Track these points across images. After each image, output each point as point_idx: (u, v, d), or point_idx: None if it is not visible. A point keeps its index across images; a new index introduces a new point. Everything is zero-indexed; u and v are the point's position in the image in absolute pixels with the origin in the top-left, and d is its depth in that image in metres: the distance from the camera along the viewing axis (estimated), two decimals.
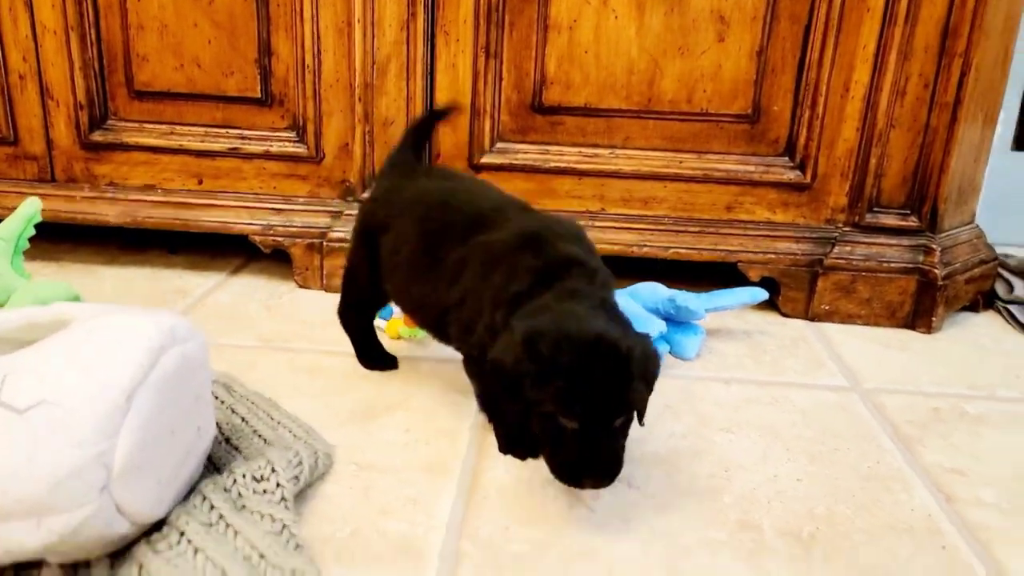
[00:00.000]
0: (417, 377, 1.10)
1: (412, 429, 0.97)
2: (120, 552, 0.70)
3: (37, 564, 0.68)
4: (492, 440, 0.94)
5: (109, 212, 1.40)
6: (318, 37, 1.30)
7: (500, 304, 0.84)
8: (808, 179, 1.33)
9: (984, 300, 1.43)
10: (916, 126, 1.28)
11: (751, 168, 1.34)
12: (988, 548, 0.80)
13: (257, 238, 1.39)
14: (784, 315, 1.38)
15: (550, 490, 0.86)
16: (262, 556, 0.70)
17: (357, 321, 1.11)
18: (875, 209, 1.33)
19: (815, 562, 0.77)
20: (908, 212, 1.33)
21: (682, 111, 1.32)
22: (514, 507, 0.84)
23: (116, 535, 0.67)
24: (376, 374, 1.11)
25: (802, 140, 1.32)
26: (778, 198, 1.35)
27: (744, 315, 1.37)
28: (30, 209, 1.14)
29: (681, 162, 1.35)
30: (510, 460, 0.91)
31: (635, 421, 0.80)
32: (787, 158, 1.34)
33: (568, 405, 0.75)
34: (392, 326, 1.22)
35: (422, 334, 1.22)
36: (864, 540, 0.80)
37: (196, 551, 0.69)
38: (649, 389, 0.80)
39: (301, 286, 1.41)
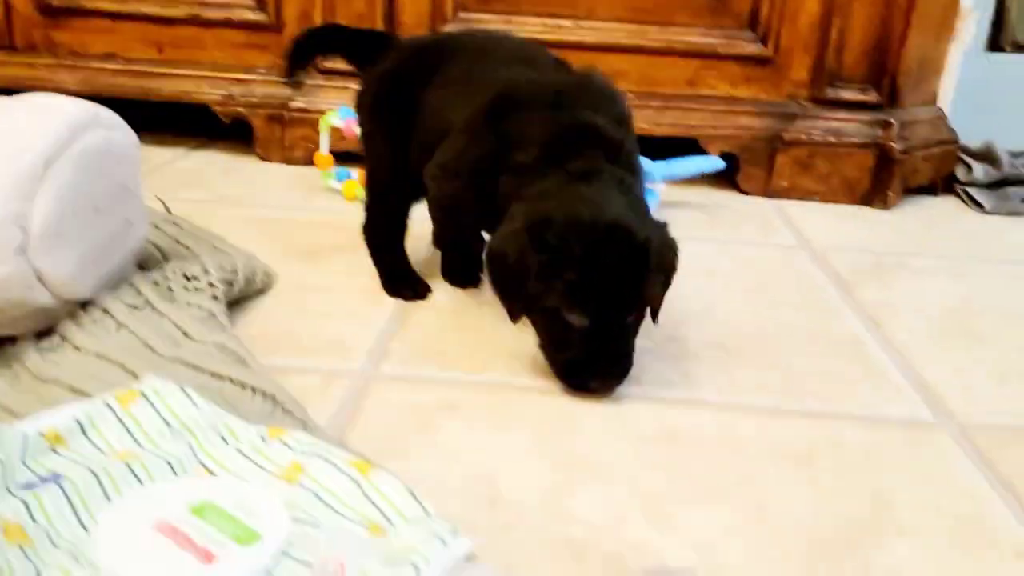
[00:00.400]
0: None
1: (357, 266, 0.98)
2: (46, 332, 0.71)
3: None
4: (438, 266, 0.95)
5: (69, 80, 1.39)
6: None
7: (483, 147, 0.75)
8: (771, 52, 1.33)
9: (943, 184, 1.43)
10: None
11: (714, 41, 1.33)
12: (907, 359, 0.81)
13: (218, 108, 1.38)
14: (743, 192, 1.38)
15: (486, 309, 0.87)
16: (186, 334, 0.71)
17: (388, 229, 0.91)
18: (836, 84, 1.33)
19: (733, 364, 0.78)
20: (868, 86, 1.33)
21: None
22: (448, 318, 0.85)
23: (37, 304, 0.68)
24: (328, 223, 1.12)
25: (765, 12, 1.31)
26: (740, 72, 1.35)
27: (704, 191, 1.37)
28: None
29: (644, 34, 1.34)
30: (451, 287, 0.93)
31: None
32: (750, 31, 1.33)
33: (578, 300, 0.67)
34: (349, 188, 1.22)
35: None
36: (789, 350, 0.82)
37: (119, 326, 0.70)
38: (667, 283, 0.73)
39: (263, 158, 1.41)
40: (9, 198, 0.64)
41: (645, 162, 1.20)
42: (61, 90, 1.37)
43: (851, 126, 1.33)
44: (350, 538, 0.48)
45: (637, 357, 0.73)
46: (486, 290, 0.90)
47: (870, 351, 0.83)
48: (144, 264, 0.85)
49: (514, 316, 0.72)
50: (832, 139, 1.33)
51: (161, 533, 0.46)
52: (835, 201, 1.35)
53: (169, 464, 0.52)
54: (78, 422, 0.54)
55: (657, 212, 1.22)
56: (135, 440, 0.54)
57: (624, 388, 0.71)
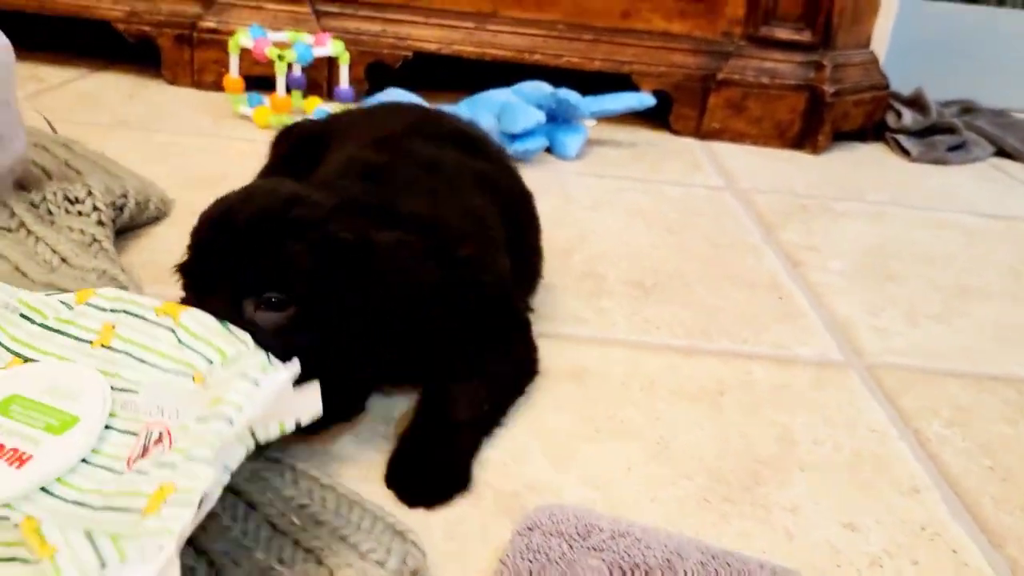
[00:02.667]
0: None
1: None
2: None
3: None
4: None
5: None
6: None
7: None
8: None
9: (874, 130, 1.43)
10: None
11: None
12: (822, 299, 0.81)
13: (121, 26, 1.29)
14: (675, 132, 1.35)
15: None
16: (64, 260, 0.65)
17: None
18: (771, 22, 1.30)
19: (650, 301, 0.77)
20: (803, 26, 1.30)
21: None
22: None
23: None
24: (236, 149, 1.06)
25: None
26: (675, 6, 1.31)
27: (635, 130, 1.34)
28: None
29: None
30: None
31: None
32: None
33: (184, 264, 0.53)
34: (261, 113, 1.15)
35: (289, 119, 1.15)
36: (703, 289, 0.80)
37: None
38: (337, 267, 0.50)
39: (171, 82, 1.32)
40: None
41: (572, 93, 1.17)
42: None
43: (785, 67, 1.31)
44: (174, 395, 0.44)
45: (549, 296, 0.71)
46: None
47: (787, 291, 0.82)
48: (25, 185, 0.78)
49: None
50: (765, 80, 1.31)
51: None
52: (766, 144, 1.34)
53: None
54: None
55: (584, 148, 1.20)
56: None
57: (538, 326, 0.68)
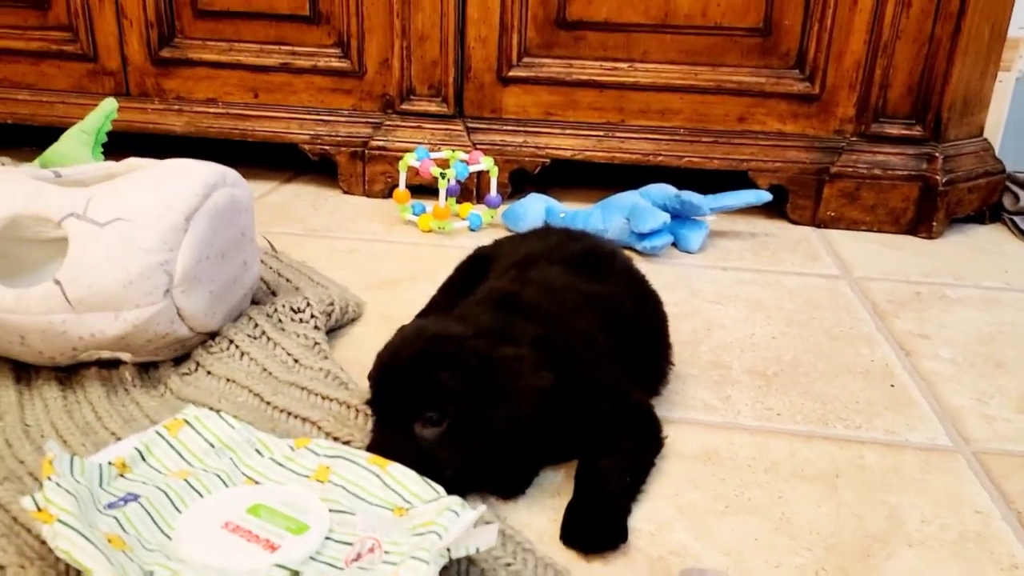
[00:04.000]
0: (443, 258, 1.23)
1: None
2: (182, 357, 0.85)
3: (117, 364, 0.83)
4: None
5: (176, 123, 1.56)
6: None
7: None
8: (817, 90, 1.41)
9: (991, 213, 1.49)
10: (921, 37, 1.34)
11: (763, 80, 1.42)
12: (933, 387, 0.89)
13: (306, 146, 1.53)
14: (792, 222, 1.46)
15: None
16: (296, 361, 0.84)
17: None
18: (880, 119, 1.40)
19: (772, 390, 0.88)
20: (912, 122, 1.39)
21: (697, 25, 1.41)
22: None
23: (177, 336, 0.81)
24: (406, 253, 1.25)
25: (811, 53, 1.39)
26: (788, 109, 1.43)
27: (753, 220, 1.46)
28: (108, 107, 1.29)
29: (696, 74, 1.43)
30: None
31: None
32: (797, 70, 1.41)
33: (370, 396, 0.68)
34: (424, 220, 1.35)
35: (450, 227, 1.34)
36: (821, 378, 0.91)
37: (243, 354, 0.84)
38: (475, 383, 0.64)
39: (345, 192, 1.54)
40: (160, 248, 0.77)
41: (696, 196, 1.30)
42: (169, 132, 1.55)
43: (896, 159, 1.40)
44: (379, 520, 0.60)
45: (681, 385, 0.83)
46: None
47: (899, 379, 0.91)
48: (256, 297, 0.98)
49: None
50: (878, 172, 1.40)
51: (229, 531, 0.58)
52: (881, 230, 1.42)
53: (219, 477, 0.64)
54: (137, 450, 0.66)
55: (706, 241, 1.32)
56: (186, 460, 0.66)
57: (669, 412, 0.81)
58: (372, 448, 0.65)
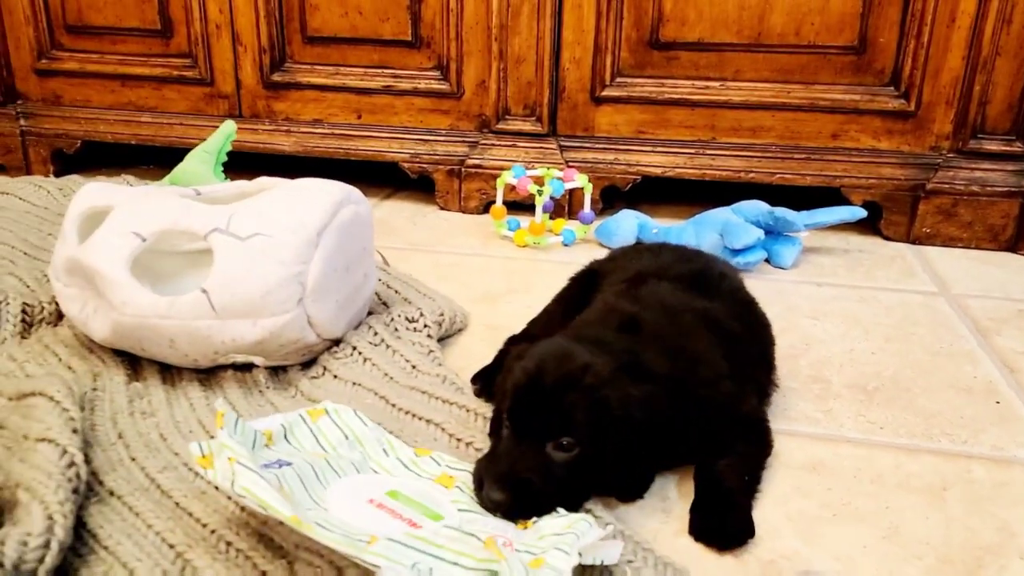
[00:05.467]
0: (539, 272, 1.28)
1: (533, 306, 1.15)
2: (310, 362, 0.92)
3: (250, 367, 0.90)
4: None
5: (285, 143, 1.65)
6: None
7: None
8: (912, 107, 1.41)
9: None
10: (1022, 54, 1.33)
11: (856, 97, 1.43)
12: None
13: (406, 165, 1.60)
14: (886, 238, 1.46)
15: None
16: (414, 367, 0.89)
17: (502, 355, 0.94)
18: (979, 135, 1.39)
19: (873, 405, 0.89)
20: (1013, 138, 1.38)
21: (790, 44, 1.42)
22: None
23: (307, 342, 0.88)
24: (503, 267, 1.30)
25: (907, 70, 1.39)
26: (882, 126, 1.43)
27: (847, 237, 1.46)
28: (228, 128, 1.39)
29: (789, 92, 1.45)
30: None
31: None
32: (892, 87, 1.41)
33: (507, 408, 0.70)
34: (520, 235, 1.40)
35: (545, 242, 1.39)
36: (923, 394, 0.92)
37: (365, 359, 0.90)
38: (609, 420, 0.68)
39: (442, 208, 1.61)
40: (294, 261, 0.84)
41: (790, 213, 1.32)
42: (278, 152, 1.64)
43: (995, 175, 1.39)
44: (506, 526, 0.65)
45: (782, 398, 0.85)
46: None
47: (1003, 396, 0.91)
48: (371, 308, 1.05)
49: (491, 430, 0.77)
50: (976, 188, 1.39)
51: (375, 507, 0.64)
52: (978, 247, 1.41)
53: (353, 464, 0.70)
54: (283, 427, 0.72)
55: (800, 257, 1.33)
56: (321, 446, 0.73)
57: (773, 424, 0.83)
58: (503, 455, 0.68)
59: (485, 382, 0.87)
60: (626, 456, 0.69)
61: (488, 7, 1.49)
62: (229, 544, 0.63)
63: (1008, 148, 1.38)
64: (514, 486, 0.65)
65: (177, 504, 0.68)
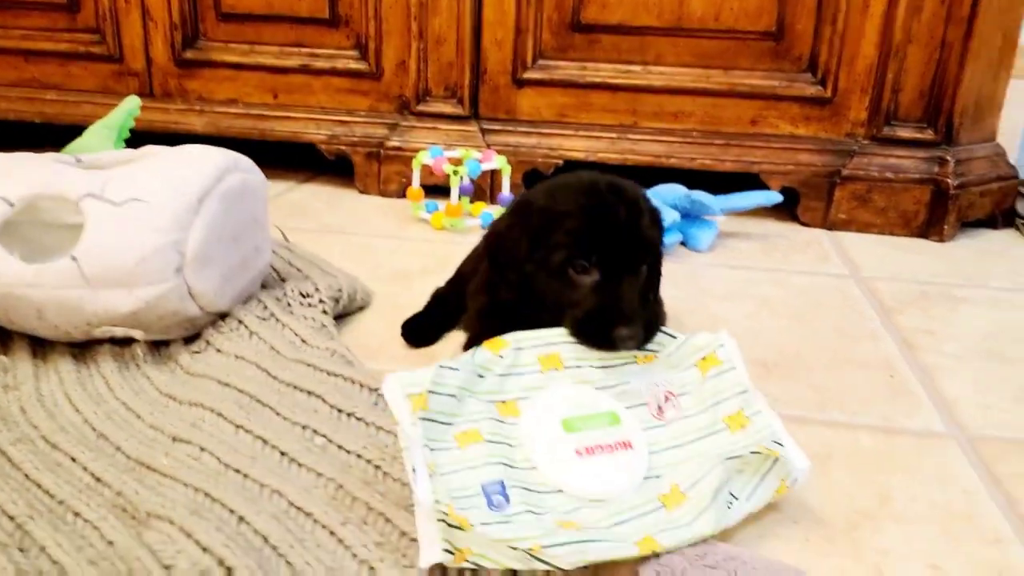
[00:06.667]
0: (454, 255, 1.25)
1: None
2: (193, 336, 0.88)
3: (130, 342, 0.86)
4: None
5: (197, 123, 1.60)
6: None
7: None
8: (829, 94, 1.42)
9: (1004, 217, 1.48)
10: (932, 42, 1.35)
11: (775, 83, 1.43)
12: (933, 379, 0.90)
13: (323, 146, 1.56)
14: (803, 224, 1.46)
15: None
16: (304, 341, 0.86)
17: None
18: (892, 122, 1.41)
19: (772, 379, 0.88)
20: (924, 125, 1.40)
21: (710, 28, 1.42)
22: None
23: (188, 314, 0.84)
24: (418, 249, 1.27)
25: (824, 56, 1.40)
26: (800, 112, 1.44)
27: (764, 222, 1.47)
28: (131, 104, 1.33)
29: (709, 78, 1.45)
30: None
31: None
32: (810, 74, 1.42)
33: (583, 250, 0.69)
34: (436, 218, 1.37)
35: (462, 224, 1.36)
36: (822, 369, 0.91)
37: (252, 333, 0.86)
38: (661, 233, 0.76)
39: (361, 191, 1.57)
40: (172, 228, 0.80)
41: (706, 196, 1.31)
42: (190, 132, 1.59)
43: (908, 162, 1.40)
44: (641, 373, 0.67)
45: None
46: None
47: (899, 371, 0.91)
48: (266, 283, 1.01)
49: (506, 291, 0.75)
50: (889, 175, 1.40)
51: (588, 455, 0.61)
52: (892, 233, 1.43)
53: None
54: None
55: (717, 241, 1.33)
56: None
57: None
58: (609, 293, 0.68)
59: (419, 330, 0.92)
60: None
61: None
62: (77, 515, 0.60)
63: (920, 135, 1.40)
64: (643, 315, 0.68)
65: (27, 476, 0.64)
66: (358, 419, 0.72)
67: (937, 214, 1.40)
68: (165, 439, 0.69)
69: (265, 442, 0.68)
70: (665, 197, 1.33)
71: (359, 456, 0.66)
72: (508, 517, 0.56)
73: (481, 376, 0.65)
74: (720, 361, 0.69)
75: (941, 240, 1.39)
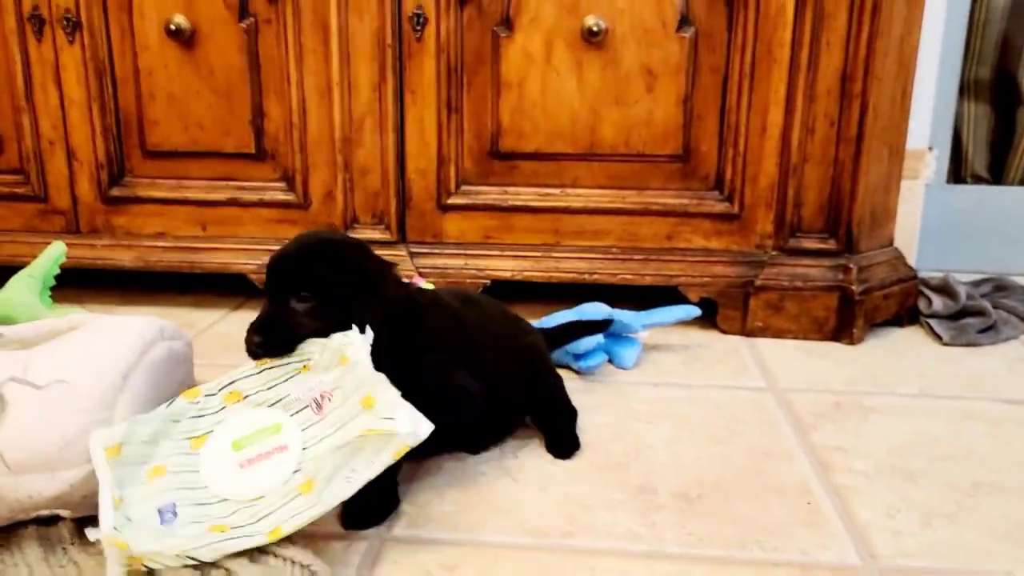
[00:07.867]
0: None
1: None
2: None
3: (55, 521, 0.85)
4: None
5: (125, 257, 1.60)
6: (303, 99, 1.51)
7: None
8: (736, 210, 1.50)
9: (908, 316, 1.58)
10: (826, 160, 1.45)
11: (686, 201, 1.51)
12: (845, 503, 0.94)
13: (253, 276, 1.58)
14: (723, 332, 1.53)
15: (482, 467, 1.02)
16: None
17: None
18: (797, 234, 1.50)
19: (696, 515, 0.92)
20: (827, 236, 1.49)
21: (621, 153, 1.50)
22: (450, 479, 1.00)
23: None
24: None
25: (728, 175, 1.49)
26: (712, 227, 1.52)
27: (687, 333, 1.53)
28: (56, 251, 1.33)
29: (624, 198, 1.52)
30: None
31: None
32: (717, 192, 1.51)
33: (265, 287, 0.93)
34: None
35: None
36: (742, 499, 0.95)
37: None
38: (339, 275, 0.89)
39: None
40: (97, 408, 0.80)
41: (626, 313, 1.37)
42: (118, 267, 1.59)
43: (815, 271, 1.49)
44: (301, 381, 0.84)
45: (610, 512, 0.87)
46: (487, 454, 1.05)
47: (815, 496, 0.96)
48: None
49: None
50: (799, 283, 1.49)
51: (249, 466, 0.79)
52: (806, 338, 1.50)
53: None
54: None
55: (641, 356, 1.38)
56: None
57: (594, 543, 0.84)
58: (258, 319, 0.89)
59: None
60: (362, 315, 0.88)
61: (331, 121, 1.51)
62: None
63: (824, 245, 1.49)
64: (265, 328, 0.88)
65: None
66: None
67: (846, 319, 1.48)
68: None
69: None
70: (589, 317, 1.37)
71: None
72: (173, 530, 0.75)
73: (176, 421, 0.83)
74: (350, 359, 0.83)
75: (852, 343, 1.47)
